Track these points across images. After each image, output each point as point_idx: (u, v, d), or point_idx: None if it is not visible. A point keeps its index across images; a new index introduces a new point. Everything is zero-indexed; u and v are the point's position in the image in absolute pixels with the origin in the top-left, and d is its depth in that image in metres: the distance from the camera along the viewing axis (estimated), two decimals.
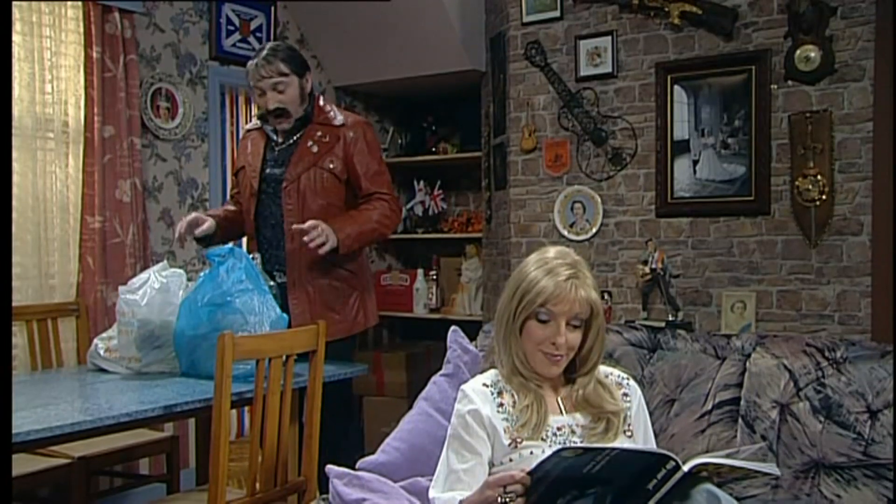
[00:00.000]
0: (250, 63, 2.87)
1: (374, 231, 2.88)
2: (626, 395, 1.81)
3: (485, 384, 1.76)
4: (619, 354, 2.22)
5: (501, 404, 1.72)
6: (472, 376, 1.88)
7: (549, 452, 1.63)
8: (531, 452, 1.65)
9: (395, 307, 4.74)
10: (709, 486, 1.47)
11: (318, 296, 2.85)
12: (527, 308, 1.70)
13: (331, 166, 2.85)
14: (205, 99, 4.02)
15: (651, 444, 1.81)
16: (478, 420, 1.69)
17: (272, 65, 2.81)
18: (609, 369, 1.85)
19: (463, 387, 1.78)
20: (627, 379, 1.86)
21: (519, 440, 1.67)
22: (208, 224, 2.85)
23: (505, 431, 1.68)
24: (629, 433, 1.75)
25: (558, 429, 1.71)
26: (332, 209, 2.86)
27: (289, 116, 2.86)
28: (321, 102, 2.98)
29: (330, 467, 1.81)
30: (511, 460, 1.67)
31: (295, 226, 2.74)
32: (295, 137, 2.91)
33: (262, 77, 2.82)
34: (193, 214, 2.87)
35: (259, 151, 2.95)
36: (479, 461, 1.67)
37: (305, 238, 2.68)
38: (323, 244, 2.68)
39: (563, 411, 1.74)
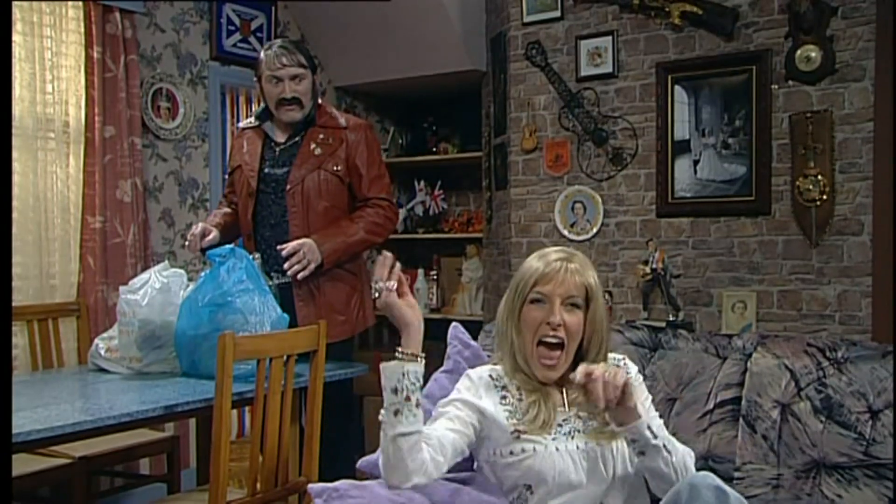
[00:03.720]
0: (267, 52, 2.86)
1: (363, 242, 2.90)
2: (627, 374, 1.79)
3: (490, 376, 1.76)
4: (620, 353, 2.22)
5: (505, 396, 1.73)
6: None
7: (551, 448, 1.62)
8: (534, 448, 1.66)
9: None
10: (717, 481, 1.46)
11: (323, 297, 2.86)
12: (521, 293, 1.72)
13: (335, 169, 2.86)
14: (205, 99, 4.02)
15: (653, 415, 1.77)
16: (468, 406, 1.69)
17: (294, 55, 2.83)
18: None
19: (469, 371, 1.78)
20: (623, 359, 1.85)
21: (522, 431, 1.67)
22: (213, 235, 2.85)
23: (507, 420, 1.68)
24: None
25: (563, 420, 1.71)
26: (335, 211, 2.87)
27: (301, 107, 2.86)
28: (320, 103, 2.98)
29: (311, 486, 1.79)
30: (511, 452, 1.67)
31: (279, 246, 2.77)
32: (296, 139, 2.91)
33: (283, 65, 2.82)
34: (201, 225, 2.88)
35: (256, 151, 2.95)
36: (455, 417, 1.67)
37: (286, 265, 2.74)
38: (303, 269, 2.74)
39: (567, 405, 1.73)
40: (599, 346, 1.74)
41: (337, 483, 1.76)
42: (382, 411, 1.57)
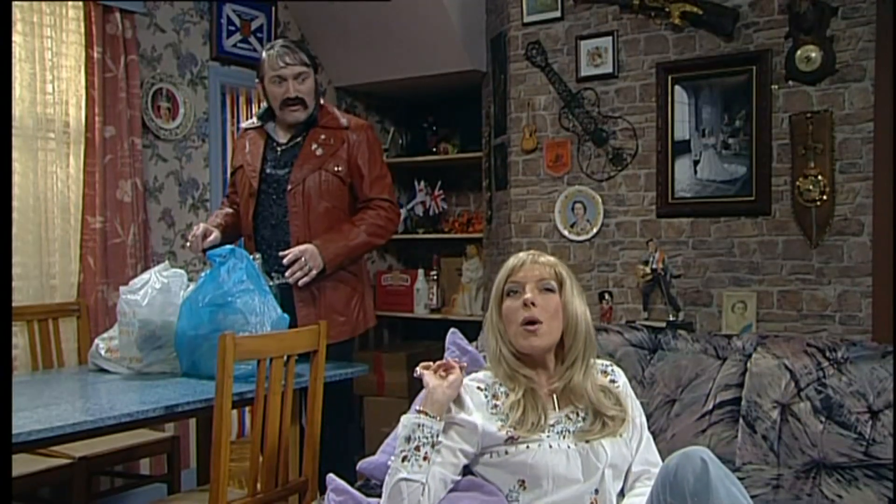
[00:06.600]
0: (269, 52, 2.86)
1: (365, 245, 2.90)
2: (613, 381, 1.86)
3: (479, 387, 1.78)
4: (619, 355, 2.22)
5: (496, 405, 1.75)
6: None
7: (545, 445, 1.66)
8: (527, 446, 1.69)
9: (396, 307, 4.74)
10: (709, 454, 1.50)
11: (323, 297, 2.86)
12: (499, 289, 1.82)
13: (336, 169, 2.86)
14: (205, 99, 4.02)
15: (646, 436, 1.84)
16: (458, 427, 1.71)
17: (297, 54, 2.82)
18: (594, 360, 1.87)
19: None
20: (610, 365, 1.91)
21: (515, 437, 1.69)
22: (214, 236, 2.87)
23: (499, 428, 1.70)
24: (628, 426, 1.79)
25: (555, 422, 1.74)
26: (336, 212, 2.87)
27: (305, 107, 2.86)
28: (322, 104, 2.98)
29: (331, 477, 1.80)
30: (507, 452, 1.69)
31: (281, 253, 2.77)
32: (298, 139, 2.91)
33: (286, 64, 2.81)
34: (202, 226, 2.89)
35: (258, 151, 2.95)
36: (446, 457, 1.70)
37: (287, 273, 2.75)
38: (304, 276, 2.75)
39: (557, 407, 1.77)
40: (575, 337, 1.78)
41: (359, 496, 1.76)
42: (393, 456, 1.68)
